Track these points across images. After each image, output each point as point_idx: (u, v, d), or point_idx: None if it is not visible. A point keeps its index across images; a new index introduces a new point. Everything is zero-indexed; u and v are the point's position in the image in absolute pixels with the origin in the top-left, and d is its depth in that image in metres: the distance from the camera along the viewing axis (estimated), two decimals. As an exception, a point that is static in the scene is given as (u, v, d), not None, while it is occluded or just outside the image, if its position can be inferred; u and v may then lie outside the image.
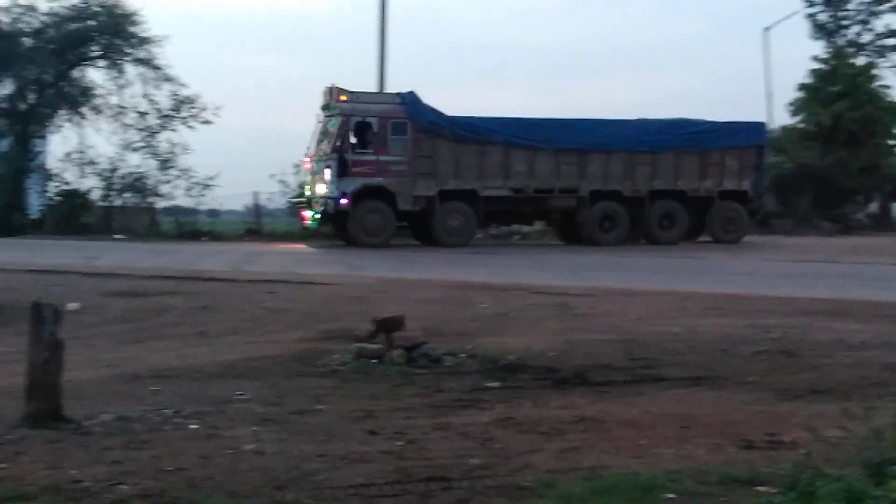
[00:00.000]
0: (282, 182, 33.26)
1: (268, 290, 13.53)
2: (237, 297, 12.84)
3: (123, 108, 35.76)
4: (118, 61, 35.73)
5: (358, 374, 7.16)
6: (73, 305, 11.04)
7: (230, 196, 38.38)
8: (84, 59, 35.86)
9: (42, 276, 15.47)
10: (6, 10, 34.30)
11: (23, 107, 35.01)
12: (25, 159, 34.31)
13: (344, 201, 24.07)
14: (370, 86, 31.52)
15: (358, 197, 24.25)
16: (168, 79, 35.52)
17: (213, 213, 38.95)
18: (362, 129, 24.83)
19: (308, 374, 7.22)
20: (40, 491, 4.15)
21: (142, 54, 35.44)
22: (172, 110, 35.58)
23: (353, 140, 24.59)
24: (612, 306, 11.66)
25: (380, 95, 26.22)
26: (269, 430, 5.39)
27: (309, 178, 25.92)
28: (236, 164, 53.81)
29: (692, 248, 24.81)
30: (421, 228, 25.71)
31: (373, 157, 24.58)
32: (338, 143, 24.31)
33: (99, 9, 35.01)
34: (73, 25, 34.88)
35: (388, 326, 7.73)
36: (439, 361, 7.50)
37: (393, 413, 5.87)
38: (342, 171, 24.15)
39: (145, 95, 35.62)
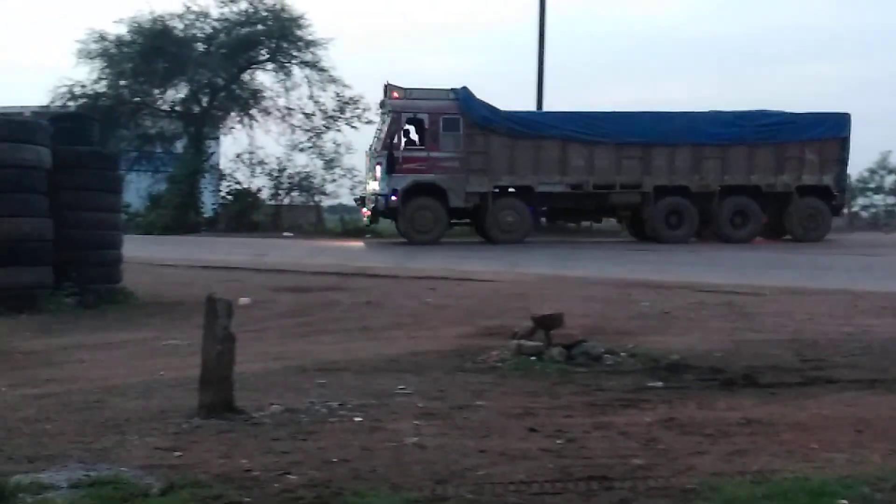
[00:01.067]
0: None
1: (428, 286, 13.71)
2: (399, 292, 13.05)
3: (290, 109, 36.98)
4: (285, 64, 36.95)
5: (517, 371, 7.15)
6: (244, 300, 11.47)
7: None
8: (253, 63, 37.22)
9: (216, 272, 16.16)
10: (180, 17, 35.93)
11: (196, 110, 36.62)
12: (199, 160, 35.88)
13: (394, 198, 24.14)
14: (531, 84, 31.57)
15: (408, 194, 24.25)
16: (333, 80, 36.56)
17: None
18: (414, 125, 24.81)
19: (468, 370, 7.26)
20: (213, 479, 4.31)
21: (308, 57, 36.59)
22: (337, 111, 36.52)
23: (405, 137, 24.67)
24: (780, 305, 11.27)
25: (433, 91, 26.46)
26: (430, 425, 5.44)
27: (367, 175, 26.25)
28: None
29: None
30: (478, 225, 25.49)
31: (423, 154, 24.51)
32: (388, 140, 24.41)
33: (267, 13, 36.24)
34: (243, 30, 36.24)
35: (547, 323, 7.68)
36: (599, 360, 7.41)
37: (553, 411, 5.83)
38: (391, 168, 24.24)
39: (311, 97, 36.76)
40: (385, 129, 24.72)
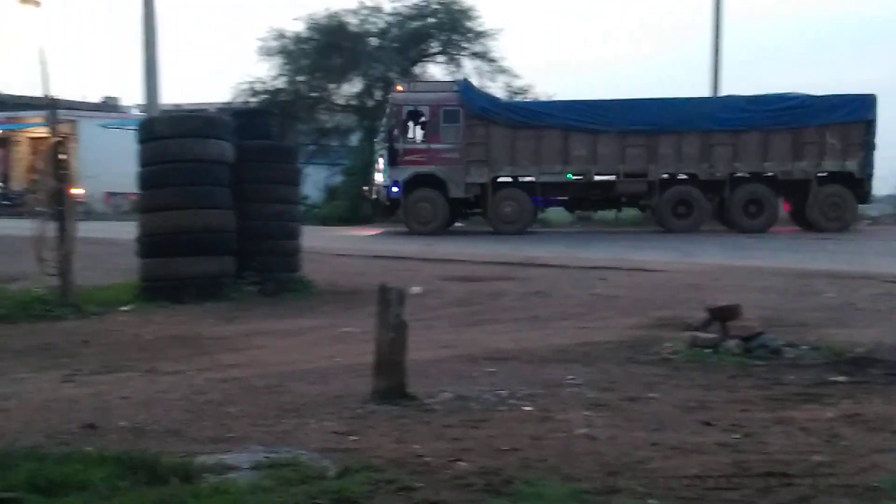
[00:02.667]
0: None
1: (598, 276, 13.57)
2: (568, 283, 12.97)
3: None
4: (455, 56, 37.24)
5: (691, 363, 6.98)
6: (415, 289, 11.65)
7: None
8: (424, 56, 37.69)
9: (388, 261, 16.48)
10: (355, 12, 36.77)
11: (370, 103, 37.36)
12: (373, 152, 36.64)
13: (395, 189, 24.08)
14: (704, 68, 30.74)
15: (409, 185, 24.07)
16: (502, 70, 36.60)
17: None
18: (416, 118, 24.59)
19: (639, 362, 7.15)
20: (387, 464, 4.40)
21: (477, 48, 36.74)
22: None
23: (407, 129, 24.39)
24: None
25: (435, 84, 25.44)
26: (601, 416, 5.38)
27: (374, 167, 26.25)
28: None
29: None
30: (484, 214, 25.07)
31: (424, 146, 24.27)
32: (389, 133, 24.26)
33: (438, 6, 36.62)
34: (414, 24, 36.74)
35: (723, 315, 7.47)
36: (779, 353, 7.15)
37: (728, 405, 5.67)
38: (393, 160, 24.19)
39: (481, 88, 36.94)
40: (388, 121, 25.11)
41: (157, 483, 4.11)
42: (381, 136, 26.19)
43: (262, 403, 5.77)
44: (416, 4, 36.83)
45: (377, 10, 36.89)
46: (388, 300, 5.72)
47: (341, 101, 38.36)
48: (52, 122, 11.78)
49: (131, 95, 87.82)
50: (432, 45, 37.53)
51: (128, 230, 12.94)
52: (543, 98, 33.60)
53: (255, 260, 11.95)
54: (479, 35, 36.61)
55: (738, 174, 24.00)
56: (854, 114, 23.77)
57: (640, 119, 24.04)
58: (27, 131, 35.68)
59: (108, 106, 45.11)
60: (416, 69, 37.95)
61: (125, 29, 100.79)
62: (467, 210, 25.67)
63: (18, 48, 34.90)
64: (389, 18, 37.06)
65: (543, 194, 24.63)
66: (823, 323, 8.85)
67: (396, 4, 36.87)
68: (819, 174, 23.77)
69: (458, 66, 37.16)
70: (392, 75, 36.82)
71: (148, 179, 11.96)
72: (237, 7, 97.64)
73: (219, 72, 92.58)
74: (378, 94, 37.12)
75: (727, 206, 24.02)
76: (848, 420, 5.21)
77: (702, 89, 31.60)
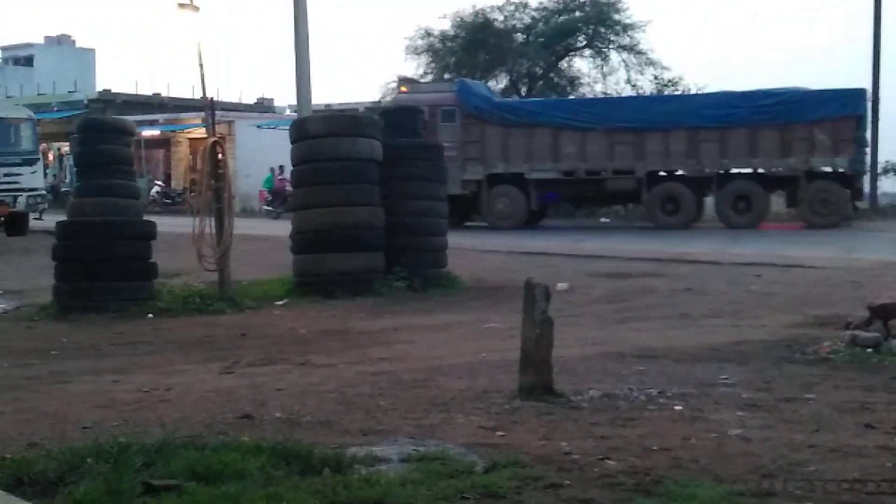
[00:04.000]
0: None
1: (752, 272, 13.19)
2: (720, 279, 12.66)
3: (609, 94, 36.84)
4: (602, 49, 36.89)
5: (851, 363, 6.71)
6: (561, 285, 11.59)
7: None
8: (571, 50, 37.46)
9: (535, 257, 16.45)
10: (500, 9, 36.84)
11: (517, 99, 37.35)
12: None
13: None
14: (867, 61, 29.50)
15: None
16: (651, 63, 36.04)
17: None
18: None
19: (796, 361, 6.91)
20: (534, 460, 4.39)
21: (625, 41, 36.30)
22: (656, 93, 35.95)
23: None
24: None
25: (436, 85, 25.60)
26: (755, 417, 5.23)
27: None
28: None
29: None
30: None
31: None
32: None
33: (584, 0, 36.34)
34: (561, 18, 36.54)
35: (885, 313, 7.14)
36: (946, 353, 6.79)
37: (891, 406, 5.42)
38: None
39: (629, 81, 36.46)
40: None
41: (310, 473, 4.21)
42: None
43: (411, 397, 5.85)
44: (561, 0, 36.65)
45: (523, 5, 36.87)
46: (534, 296, 5.70)
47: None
48: (210, 123, 12.24)
49: (284, 96, 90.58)
50: (579, 38, 37.25)
51: (282, 227, 13.33)
52: (695, 90, 32.90)
53: (404, 256, 12.13)
54: (627, 27, 36.13)
55: (727, 170, 23.69)
56: (844, 109, 22.95)
57: (626, 117, 24.15)
58: (187, 132, 37.22)
59: (263, 106, 46.53)
60: (563, 64, 37.73)
61: (278, 31, 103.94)
62: (465, 208, 25.85)
63: (178, 52, 36.35)
64: (535, 14, 36.99)
65: (538, 190, 24.89)
66: None
67: (542, 0, 36.78)
68: (809, 170, 22.98)
69: (606, 59, 36.82)
70: (538, 70, 36.76)
71: (301, 178, 12.30)
72: (385, 6, 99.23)
73: (368, 71, 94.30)
74: (524, 90, 37.12)
75: (716, 202, 23.80)
76: None
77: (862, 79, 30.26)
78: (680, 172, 24.11)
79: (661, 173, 24.31)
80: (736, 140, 23.53)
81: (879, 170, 30.06)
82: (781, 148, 23.36)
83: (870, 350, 6.90)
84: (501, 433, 4.92)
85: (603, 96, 25.94)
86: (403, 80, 27.26)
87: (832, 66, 77.05)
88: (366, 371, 6.83)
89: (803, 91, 23.84)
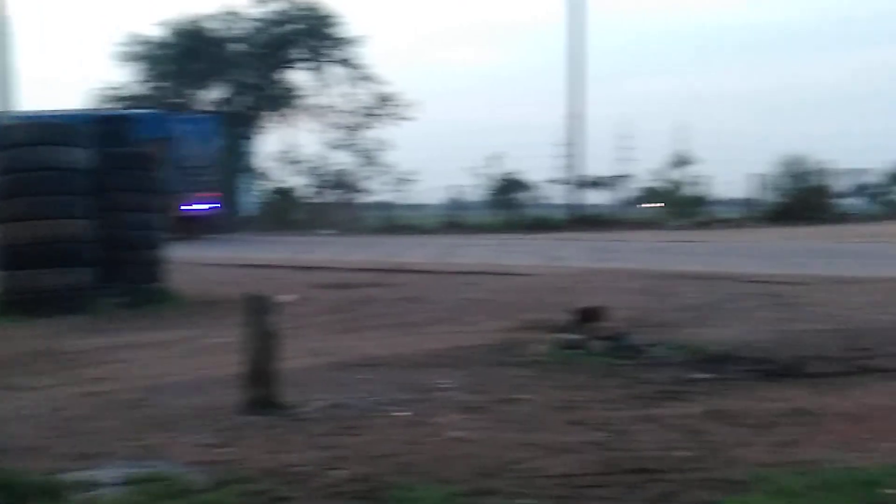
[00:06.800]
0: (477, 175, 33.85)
1: (468, 281, 13.70)
2: (439, 288, 13.05)
3: (326, 107, 37.13)
4: (320, 63, 37.12)
5: (560, 364, 7.12)
6: (285, 297, 11.51)
7: (433, 189, 39.27)
8: (288, 62, 37.41)
9: (258, 270, 16.26)
10: (215, 18, 36.23)
11: (233, 110, 36.86)
12: (237, 160, 36.15)
13: None
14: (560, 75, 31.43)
15: None
16: (368, 77, 36.65)
17: (414, 206, 39.96)
18: None
19: (510, 364, 7.24)
20: (260, 474, 4.34)
21: (342, 55, 36.70)
22: (373, 108, 36.65)
23: None
24: (825, 295, 11.14)
25: None
26: (473, 419, 5.43)
27: None
28: (440, 157, 54.24)
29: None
30: None
31: None
32: None
33: (300, 13, 36.45)
34: (277, 30, 36.46)
35: (589, 316, 7.67)
36: (643, 352, 7.36)
37: (596, 404, 5.80)
38: None
39: (347, 95, 36.90)
40: None
41: (17, 503, 3.94)
42: None
43: (129, 418, 5.61)
44: (278, 11, 36.57)
45: (238, 16, 36.46)
46: (255, 309, 5.65)
47: (205, 107, 37.71)
48: None
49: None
50: (295, 51, 37.28)
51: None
52: None
53: (119, 271, 11.63)
54: (343, 42, 36.56)
55: None
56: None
57: None
58: None
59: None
60: (280, 76, 37.61)
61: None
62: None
63: None
64: (251, 25, 36.66)
65: None
66: (685, 322, 9.14)
67: (258, 11, 36.54)
68: None
69: (322, 72, 37.07)
70: (254, 80, 36.42)
71: (3, 189, 11.52)
72: (90, 9, 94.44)
73: (80, 77, 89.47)
74: (240, 101, 36.69)
75: None
76: (710, 416, 5.40)
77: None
78: None
79: None
80: None
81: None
82: None
83: (576, 351, 7.36)
84: (226, 449, 4.83)
85: None
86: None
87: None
88: (79, 392, 6.47)
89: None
